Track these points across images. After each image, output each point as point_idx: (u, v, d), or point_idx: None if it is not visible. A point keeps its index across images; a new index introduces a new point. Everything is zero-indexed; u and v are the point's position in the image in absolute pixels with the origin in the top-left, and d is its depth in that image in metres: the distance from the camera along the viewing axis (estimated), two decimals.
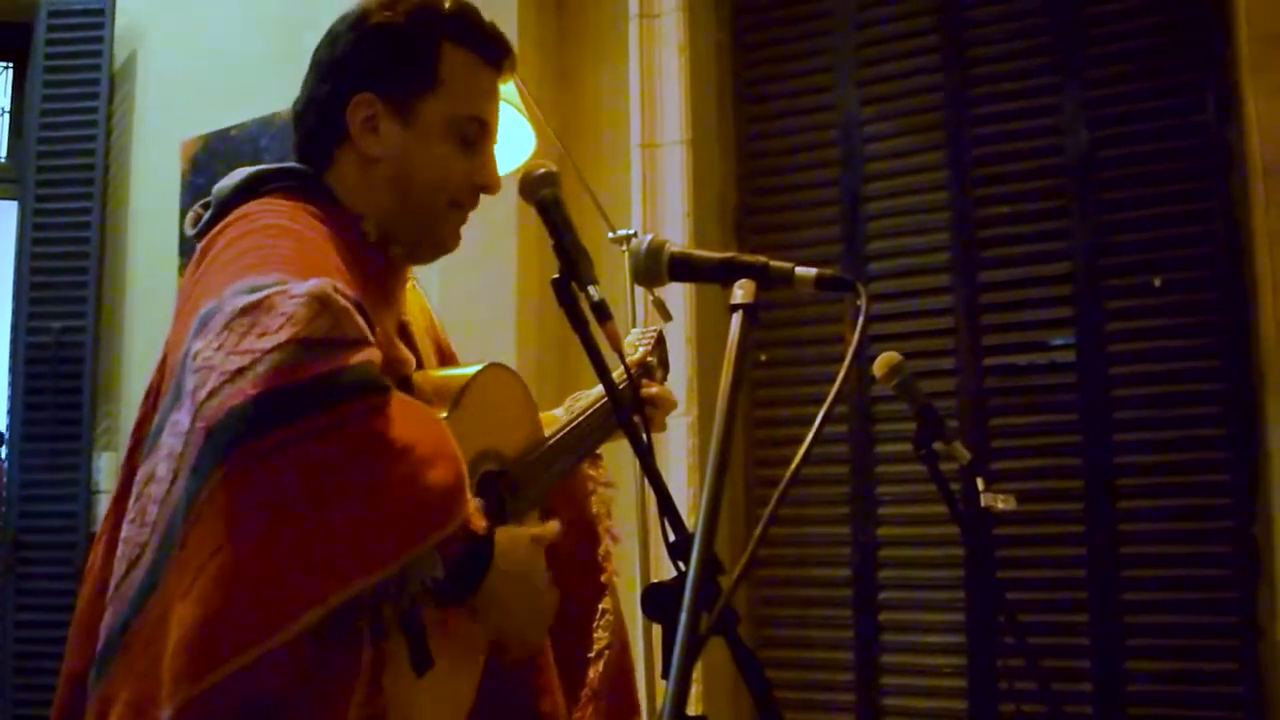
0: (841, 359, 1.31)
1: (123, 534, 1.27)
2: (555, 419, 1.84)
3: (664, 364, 2.13)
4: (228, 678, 1.10)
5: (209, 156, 4.26)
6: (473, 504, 1.30)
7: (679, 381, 3.46)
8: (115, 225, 4.51)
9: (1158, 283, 3.20)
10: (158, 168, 4.43)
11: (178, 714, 1.11)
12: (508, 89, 2.39)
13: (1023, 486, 3.16)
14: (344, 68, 1.60)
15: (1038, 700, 2.87)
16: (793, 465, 1.26)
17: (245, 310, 1.21)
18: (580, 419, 1.82)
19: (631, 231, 3.06)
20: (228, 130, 4.24)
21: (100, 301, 4.42)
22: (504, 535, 1.41)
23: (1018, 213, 3.42)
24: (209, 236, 1.46)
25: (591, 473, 1.90)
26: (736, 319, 1.36)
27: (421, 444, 1.24)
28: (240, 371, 1.16)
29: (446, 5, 1.63)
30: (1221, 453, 3.08)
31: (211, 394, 1.16)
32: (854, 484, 3.54)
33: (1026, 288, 3.38)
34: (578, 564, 1.80)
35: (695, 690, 3.35)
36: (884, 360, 2.36)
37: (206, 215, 1.56)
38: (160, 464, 1.23)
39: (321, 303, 1.21)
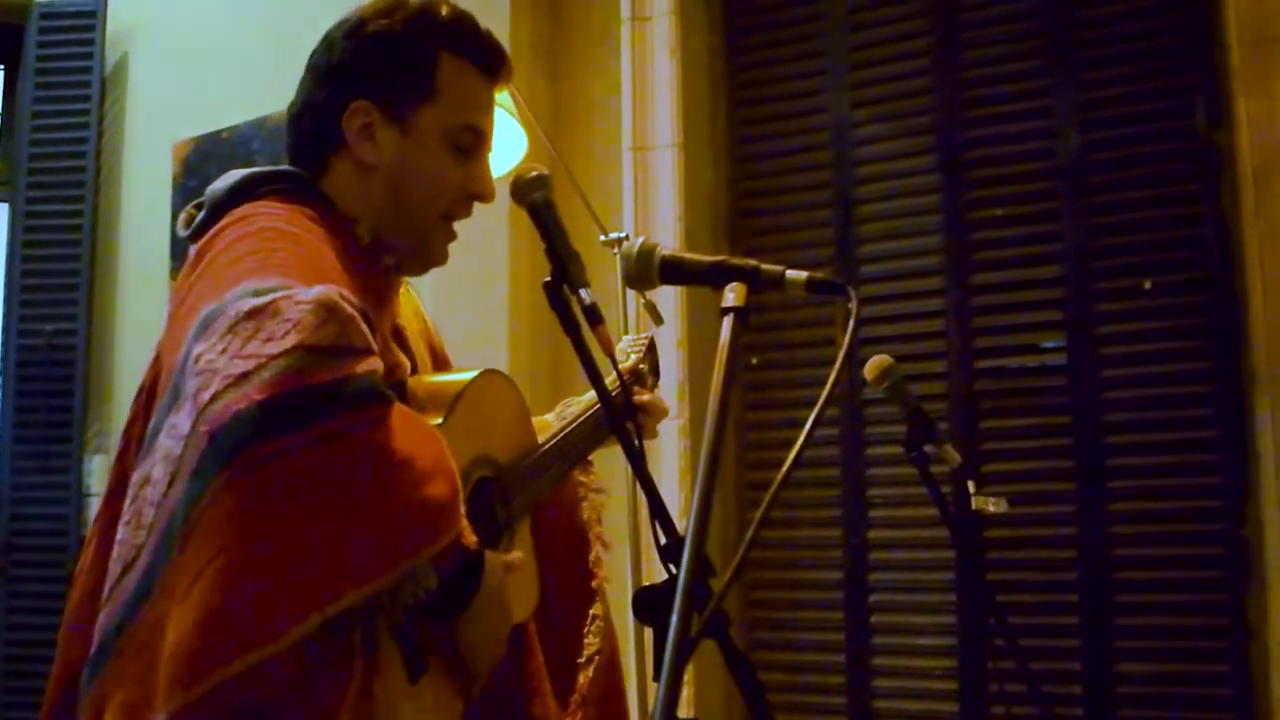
0: (833, 362, 1.31)
1: (118, 536, 1.26)
2: (547, 424, 1.85)
3: (655, 371, 2.13)
4: (223, 683, 1.10)
5: (201, 159, 4.26)
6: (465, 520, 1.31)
7: (670, 385, 3.46)
8: (107, 227, 4.50)
9: (1148, 285, 3.21)
10: (149, 170, 4.42)
11: (172, 718, 1.11)
12: (499, 93, 2.39)
13: (1014, 489, 3.16)
14: (341, 75, 1.60)
15: (1029, 702, 2.88)
16: (784, 468, 1.26)
17: (250, 314, 1.20)
18: (572, 426, 1.82)
19: (623, 234, 3.06)
20: (219, 132, 4.23)
21: (92, 304, 4.41)
22: (490, 556, 1.41)
23: (1009, 215, 3.42)
24: (205, 238, 1.45)
25: (582, 479, 1.90)
26: (727, 322, 1.36)
27: (421, 458, 1.24)
28: (245, 376, 1.16)
29: (444, 13, 1.63)
30: (1212, 455, 3.09)
31: (215, 397, 1.16)
32: (845, 486, 3.54)
33: (1018, 290, 3.39)
34: (569, 570, 1.80)
35: (687, 693, 3.35)
36: (875, 363, 2.36)
37: (200, 216, 1.55)
38: (157, 466, 1.22)
39: (329, 310, 1.21)
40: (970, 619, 3.31)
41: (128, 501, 1.27)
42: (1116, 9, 3.32)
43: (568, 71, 3.92)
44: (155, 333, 1.45)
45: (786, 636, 3.60)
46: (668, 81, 3.69)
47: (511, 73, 1.72)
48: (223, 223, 1.46)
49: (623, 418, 1.50)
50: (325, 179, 1.61)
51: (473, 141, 1.64)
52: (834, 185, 3.66)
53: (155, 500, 1.21)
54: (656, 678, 1.13)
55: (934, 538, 3.35)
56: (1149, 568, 3.14)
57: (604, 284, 2.77)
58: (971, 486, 2.44)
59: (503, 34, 1.81)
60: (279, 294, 1.22)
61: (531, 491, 1.67)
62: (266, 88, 3.68)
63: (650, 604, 1.26)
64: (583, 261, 1.49)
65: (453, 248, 1.69)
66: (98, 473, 4.27)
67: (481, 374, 1.61)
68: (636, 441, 1.48)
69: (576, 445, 1.82)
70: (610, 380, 1.65)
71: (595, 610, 1.80)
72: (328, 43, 1.63)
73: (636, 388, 2.01)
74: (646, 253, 1.48)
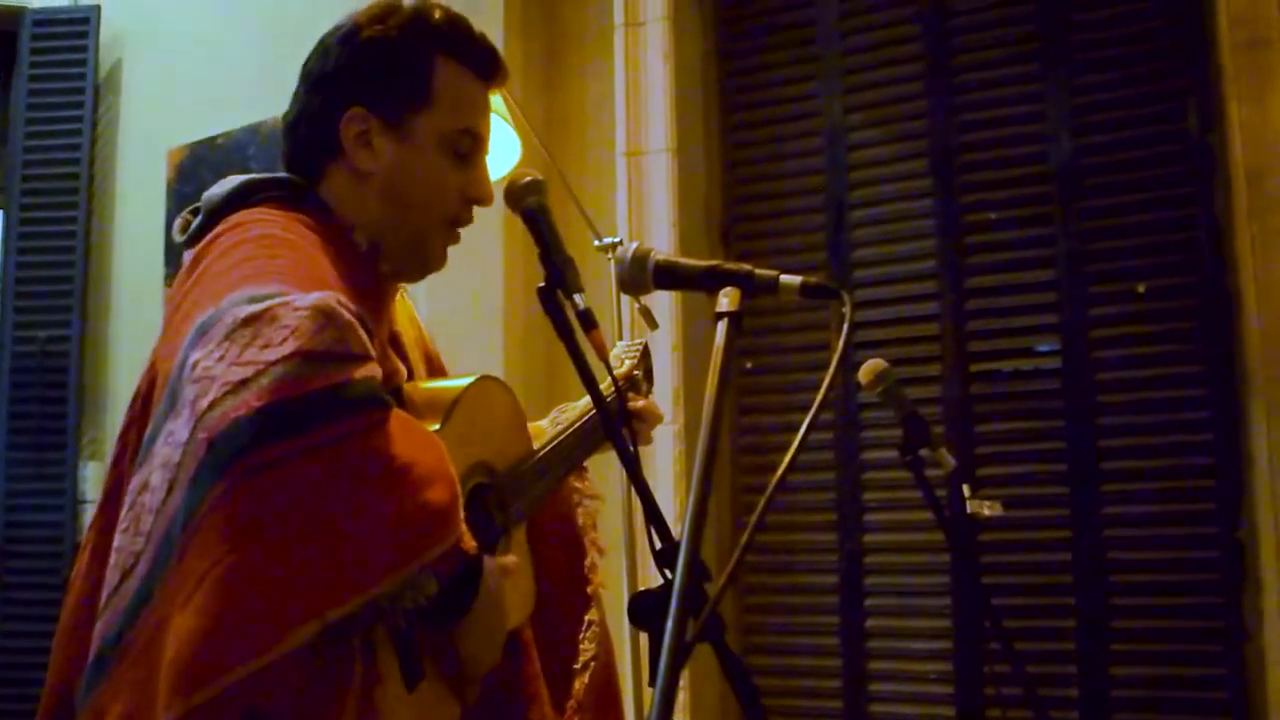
0: (827, 366, 1.31)
1: (115, 543, 1.26)
2: (541, 430, 1.85)
3: (649, 377, 2.13)
4: (225, 690, 1.10)
5: (195, 165, 4.26)
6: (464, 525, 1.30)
7: (665, 390, 3.47)
8: (101, 233, 4.50)
9: (1142, 289, 3.21)
10: (144, 176, 4.42)
11: None
12: (494, 97, 2.39)
13: (1008, 492, 3.17)
14: (336, 81, 1.59)
15: (1024, 705, 2.88)
16: (779, 472, 1.27)
17: (247, 321, 1.20)
18: (567, 432, 1.82)
19: (617, 239, 3.06)
20: (214, 139, 4.23)
21: (86, 310, 4.41)
22: (487, 561, 1.41)
23: (1002, 219, 3.43)
24: (201, 245, 1.45)
25: (577, 485, 1.90)
26: (721, 327, 1.36)
27: (420, 463, 1.24)
28: (243, 383, 1.15)
29: (438, 18, 1.62)
30: (1206, 458, 3.10)
31: (213, 404, 1.15)
32: (840, 491, 3.54)
33: (1011, 294, 3.39)
34: (564, 576, 1.80)
35: (682, 698, 3.36)
36: (869, 367, 2.36)
37: (196, 222, 1.55)
38: (155, 473, 1.21)
39: (326, 316, 1.21)
40: (966, 622, 3.31)
41: (125, 508, 1.27)
42: (1108, 13, 3.33)
43: (561, 77, 3.92)
44: (150, 339, 1.45)
45: (782, 640, 3.60)
46: (661, 87, 3.70)
47: (507, 75, 1.72)
48: (219, 229, 1.45)
49: (618, 424, 1.49)
50: (322, 186, 1.60)
51: (470, 146, 1.64)
52: (827, 189, 3.67)
53: (154, 507, 1.20)
54: (652, 683, 1.13)
55: (929, 541, 3.35)
56: (1144, 570, 3.14)
57: (598, 289, 2.78)
58: (966, 490, 2.44)
59: (496, 38, 1.81)
60: (276, 300, 1.22)
61: (527, 498, 1.67)
62: (261, 94, 3.68)
63: (646, 609, 1.26)
64: (577, 267, 1.49)
65: (448, 253, 1.69)
66: (92, 479, 4.27)
67: (477, 380, 1.60)
68: (631, 447, 1.48)
69: (571, 451, 1.82)
70: (605, 386, 1.65)
71: (591, 616, 1.79)
72: (322, 49, 1.63)
73: (631, 393, 2.01)
74: (640, 258, 1.48)
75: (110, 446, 1.48)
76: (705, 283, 1.44)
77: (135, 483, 1.25)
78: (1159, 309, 3.20)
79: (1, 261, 4.44)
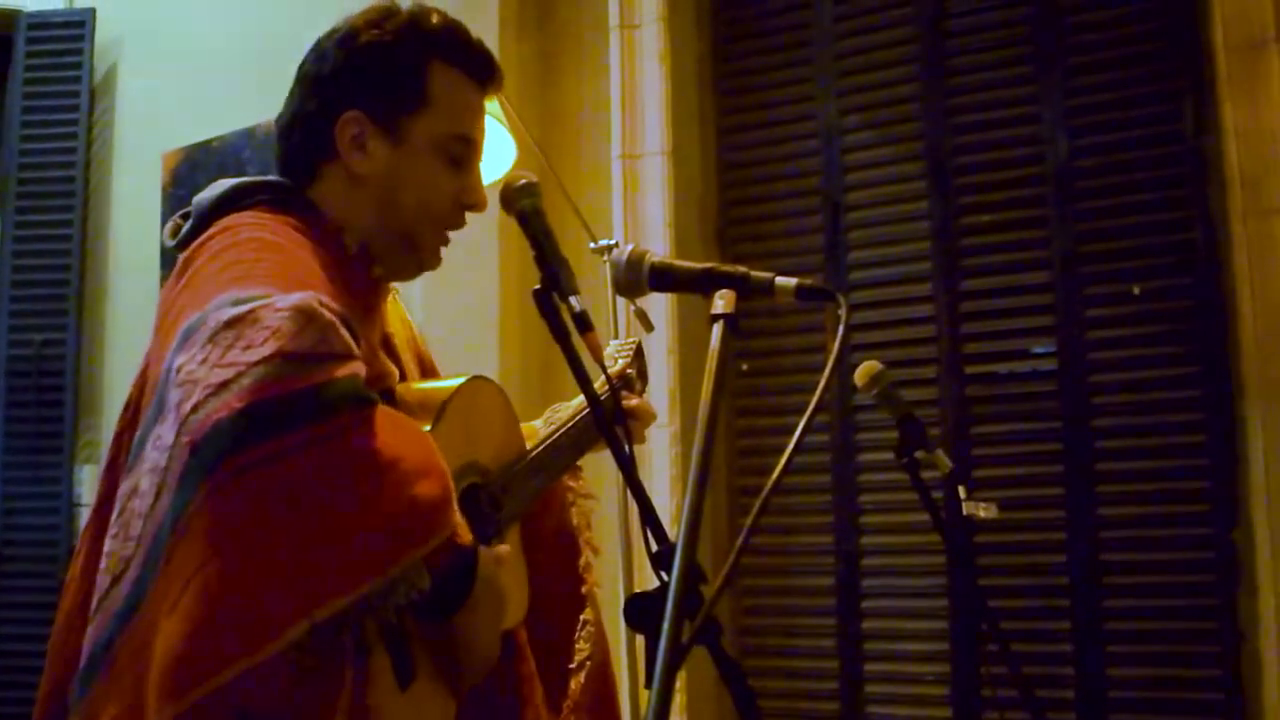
0: (822, 368, 1.31)
1: (105, 548, 1.26)
2: (535, 431, 1.85)
3: (643, 376, 2.13)
4: (214, 693, 1.10)
5: (190, 168, 4.25)
6: (459, 517, 1.30)
7: (660, 392, 3.47)
8: (96, 237, 4.49)
9: (1137, 291, 3.21)
10: (138, 180, 4.41)
11: None
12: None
13: (1004, 494, 3.17)
14: (332, 85, 1.59)
15: (1021, 707, 2.87)
16: (775, 474, 1.26)
17: (230, 323, 1.20)
18: (561, 431, 1.82)
19: (612, 242, 3.07)
20: (209, 142, 4.23)
21: (81, 313, 4.40)
22: (483, 552, 1.41)
23: (998, 222, 3.43)
24: (191, 248, 1.45)
25: (571, 485, 1.90)
26: (717, 329, 1.36)
27: (409, 458, 1.24)
28: (225, 385, 1.15)
29: (435, 23, 1.63)
30: (1202, 459, 3.10)
31: (196, 408, 1.16)
32: (836, 493, 3.54)
33: (1007, 296, 3.39)
34: (558, 576, 1.80)
35: (678, 700, 3.36)
36: (865, 369, 2.36)
37: (187, 226, 1.55)
38: (143, 478, 1.22)
39: (307, 316, 1.21)
40: (962, 624, 3.31)
41: (115, 513, 1.27)
42: (1104, 15, 3.33)
43: (556, 79, 3.92)
44: (145, 342, 1.45)
45: (778, 643, 3.60)
46: (656, 89, 3.70)
47: (502, 81, 1.72)
48: (208, 233, 1.45)
49: (611, 423, 1.49)
50: (315, 188, 1.60)
51: (464, 151, 1.64)
52: (823, 192, 3.67)
53: (142, 512, 1.21)
54: (648, 685, 1.13)
55: (925, 543, 3.35)
56: (1140, 572, 3.14)
57: (594, 291, 2.77)
58: (962, 492, 2.44)
59: (491, 42, 1.81)
60: (258, 302, 1.22)
61: (520, 497, 1.67)
62: (256, 97, 3.68)
63: (642, 611, 1.26)
64: (572, 269, 1.50)
65: (443, 254, 1.69)
66: (88, 482, 4.26)
67: (469, 380, 1.61)
68: (626, 447, 1.48)
69: (565, 451, 1.82)
70: (599, 385, 1.65)
71: (586, 616, 1.80)
72: (318, 53, 1.63)
73: (625, 392, 2.01)
74: (636, 260, 1.48)
75: (105, 450, 1.48)
76: (701, 285, 1.44)
77: (125, 488, 1.26)
78: (1154, 311, 3.20)
79: None
